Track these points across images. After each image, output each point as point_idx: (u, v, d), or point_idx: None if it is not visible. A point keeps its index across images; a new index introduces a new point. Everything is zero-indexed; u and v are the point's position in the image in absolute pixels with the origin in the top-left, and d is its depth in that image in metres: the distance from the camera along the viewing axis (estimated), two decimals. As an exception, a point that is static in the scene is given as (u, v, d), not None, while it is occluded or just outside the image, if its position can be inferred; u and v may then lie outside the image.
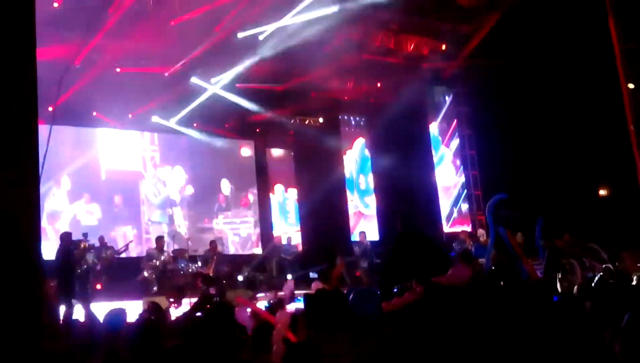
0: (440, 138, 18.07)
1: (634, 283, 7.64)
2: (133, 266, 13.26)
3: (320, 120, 18.25)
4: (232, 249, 16.58)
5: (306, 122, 18.32)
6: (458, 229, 16.17)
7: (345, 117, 18.51)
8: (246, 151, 17.82)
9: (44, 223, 14.00)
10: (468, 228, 16.86)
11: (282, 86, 16.43)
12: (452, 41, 16.75)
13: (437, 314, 3.86)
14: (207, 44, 13.98)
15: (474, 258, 13.02)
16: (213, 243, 14.30)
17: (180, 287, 12.23)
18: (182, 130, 16.36)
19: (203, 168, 16.78)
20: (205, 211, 16.73)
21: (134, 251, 14.78)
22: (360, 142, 18.42)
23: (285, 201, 18.05)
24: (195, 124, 16.46)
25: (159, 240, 13.44)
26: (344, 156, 18.09)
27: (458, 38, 16.69)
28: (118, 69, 14.24)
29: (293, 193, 18.18)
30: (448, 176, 17.85)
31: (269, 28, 14.02)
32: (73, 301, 10.02)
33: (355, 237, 16.70)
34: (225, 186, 17.22)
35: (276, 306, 6.76)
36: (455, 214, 17.69)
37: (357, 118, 18.67)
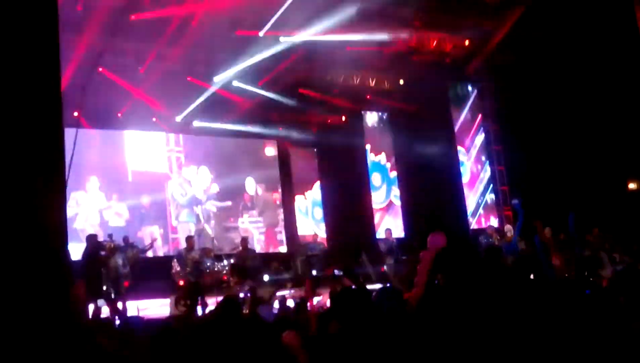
0: (464, 135, 17.91)
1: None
2: (160, 265, 13.34)
3: (343, 118, 18.22)
4: (257, 248, 16.62)
5: (329, 121, 18.30)
6: (484, 225, 16.00)
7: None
8: (270, 150, 17.87)
9: (75, 224, 14.22)
10: (495, 223, 16.72)
11: (304, 84, 16.45)
12: (475, 37, 16.60)
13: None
14: (229, 44, 14.06)
15: (503, 254, 12.95)
16: (244, 241, 14.27)
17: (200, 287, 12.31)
18: (206, 130, 16.44)
19: (228, 167, 16.87)
20: (230, 210, 16.81)
21: (160, 251, 14.93)
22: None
23: (309, 200, 18.07)
24: (218, 123, 16.54)
25: (189, 239, 13.48)
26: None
27: (481, 33, 16.53)
28: (140, 70, 14.36)
29: (316, 192, 18.19)
30: (473, 172, 17.71)
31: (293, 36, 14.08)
32: (99, 302, 10.13)
33: (380, 234, 16.64)
34: (250, 185, 17.29)
35: (302, 304, 6.77)
36: (480, 210, 17.55)
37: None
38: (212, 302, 11.18)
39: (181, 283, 12.17)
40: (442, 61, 16.86)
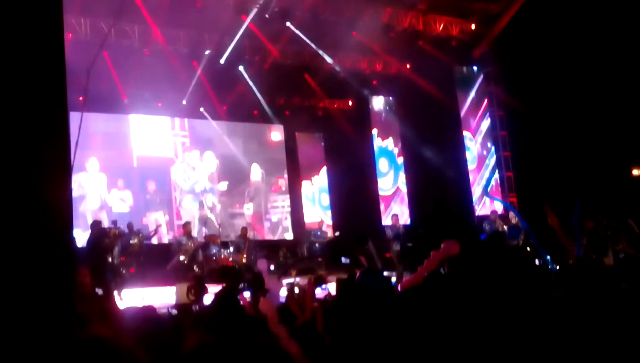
0: (470, 120, 17.81)
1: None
2: (165, 252, 13.38)
3: (350, 103, 18.15)
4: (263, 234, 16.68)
5: (335, 105, 18.24)
6: (488, 211, 15.91)
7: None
8: (276, 135, 17.81)
9: (81, 208, 14.27)
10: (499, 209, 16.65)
11: (310, 69, 16.39)
12: (482, 21, 16.49)
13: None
14: (234, 26, 14.02)
15: (506, 238, 12.99)
16: (244, 230, 14.37)
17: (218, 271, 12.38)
18: (212, 114, 16.41)
19: (233, 153, 16.84)
20: (236, 196, 16.79)
21: (165, 237, 14.95)
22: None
23: (315, 186, 18.04)
24: (224, 107, 16.49)
25: (186, 225, 13.53)
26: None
27: (488, 17, 16.42)
28: (146, 52, 14.32)
29: (323, 178, 18.15)
30: (470, 158, 17.62)
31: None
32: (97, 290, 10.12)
33: (387, 221, 16.62)
34: (256, 171, 17.25)
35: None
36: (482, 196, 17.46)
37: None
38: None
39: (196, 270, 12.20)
40: (448, 45, 16.75)
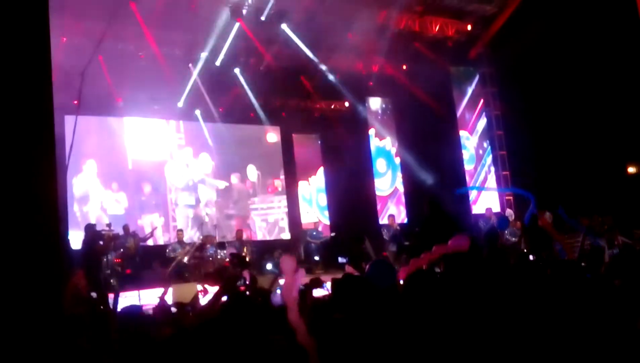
0: (467, 119, 17.85)
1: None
2: (161, 254, 13.39)
3: (346, 104, 18.16)
4: (259, 235, 16.67)
5: (332, 107, 18.26)
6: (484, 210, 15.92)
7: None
8: (272, 136, 17.83)
9: (84, 209, 14.29)
10: (495, 206, 16.69)
11: (307, 70, 16.41)
12: (478, 22, 16.54)
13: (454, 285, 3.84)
14: (229, 29, 14.05)
15: (501, 236, 13.07)
16: (239, 232, 14.41)
17: (215, 272, 12.41)
18: (208, 116, 16.42)
19: (229, 154, 16.86)
20: (231, 197, 16.81)
21: (160, 239, 14.95)
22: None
23: (313, 187, 18.05)
24: (220, 110, 16.50)
25: (179, 232, 13.65)
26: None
27: (483, 18, 16.47)
28: (141, 55, 14.34)
29: (320, 178, 18.16)
30: (468, 157, 17.65)
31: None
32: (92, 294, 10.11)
33: (384, 221, 16.63)
34: (252, 172, 17.27)
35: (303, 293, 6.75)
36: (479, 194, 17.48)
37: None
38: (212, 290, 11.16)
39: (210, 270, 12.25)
40: (444, 46, 16.78)
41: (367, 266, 4.10)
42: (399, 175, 18.04)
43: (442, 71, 16.92)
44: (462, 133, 17.59)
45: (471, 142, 17.70)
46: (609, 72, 13.71)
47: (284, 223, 17.44)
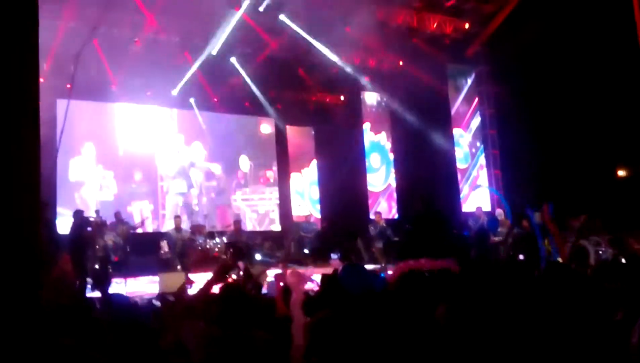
0: (461, 117, 17.88)
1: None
2: (150, 242, 13.34)
3: (342, 98, 18.12)
4: (249, 226, 16.65)
5: (327, 100, 18.22)
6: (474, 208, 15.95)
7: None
8: (266, 127, 17.79)
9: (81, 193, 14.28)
10: (486, 205, 16.73)
11: (303, 63, 16.37)
12: (475, 20, 16.54)
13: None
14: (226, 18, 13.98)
15: (490, 233, 13.16)
16: (237, 223, 14.29)
17: (201, 260, 12.43)
18: (202, 105, 16.36)
19: (222, 144, 16.81)
20: (223, 187, 16.78)
21: (149, 227, 14.91)
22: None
23: (305, 179, 18.02)
24: (215, 99, 16.44)
25: (176, 219, 13.53)
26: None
27: (481, 17, 16.48)
28: (136, 42, 14.25)
29: (313, 171, 18.13)
30: (463, 156, 17.67)
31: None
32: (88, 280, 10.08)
33: (371, 216, 16.66)
34: (244, 163, 17.23)
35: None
36: (473, 193, 17.53)
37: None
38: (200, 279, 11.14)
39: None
40: (441, 43, 16.77)
41: (340, 270, 4.08)
42: (393, 171, 18.03)
43: (438, 68, 16.92)
44: (457, 131, 17.61)
45: (465, 139, 17.73)
46: (604, 74, 13.78)
47: (275, 215, 17.43)
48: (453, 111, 17.63)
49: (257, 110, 17.15)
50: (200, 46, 14.92)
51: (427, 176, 16.42)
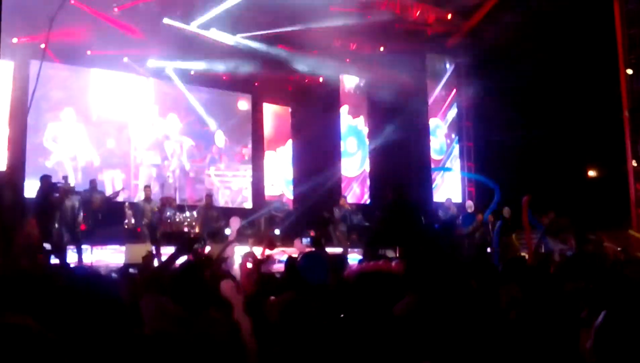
0: (438, 108, 17.92)
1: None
2: (120, 212, 13.18)
3: (321, 79, 18.02)
4: (221, 201, 16.57)
5: (306, 80, 18.10)
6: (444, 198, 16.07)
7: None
8: (243, 104, 17.67)
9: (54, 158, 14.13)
10: (456, 196, 16.88)
11: (284, 41, 16.23)
12: (458, 11, 16.57)
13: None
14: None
15: (457, 226, 13.32)
16: (208, 198, 14.21)
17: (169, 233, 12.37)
18: (179, 77, 16.15)
19: (198, 118, 16.69)
20: (197, 161, 16.65)
21: (121, 197, 14.75)
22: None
23: (280, 159, 17.94)
24: (192, 72, 16.24)
25: (146, 188, 13.38)
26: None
27: (464, 8, 16.50)
28: (115, 9, 13.98)
29: (288, 150, 18.06)
30: (439, 146, 17.74)
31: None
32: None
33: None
34: (220, 138, 17.11)
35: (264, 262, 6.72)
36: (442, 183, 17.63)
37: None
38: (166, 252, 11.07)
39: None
40: (423, 32, 16.77)
41: (299, 258, 4.07)
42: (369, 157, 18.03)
43: (418, 57, 16.92)
44: (434, 121, 17.66)
45: (442, 130, 17.81)
46: (581, 74, 13.95)
47: (248, 192, 17.37)
48: (430, 100, 17.67)
49: (234, 85, 16.98)
50: (181, 15, 14.70)
51: (400, 164, 16.48)
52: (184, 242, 4.75)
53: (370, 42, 17.12)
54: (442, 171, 17.29)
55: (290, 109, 18.32)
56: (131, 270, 9.04)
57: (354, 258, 9.80)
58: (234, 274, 5.50)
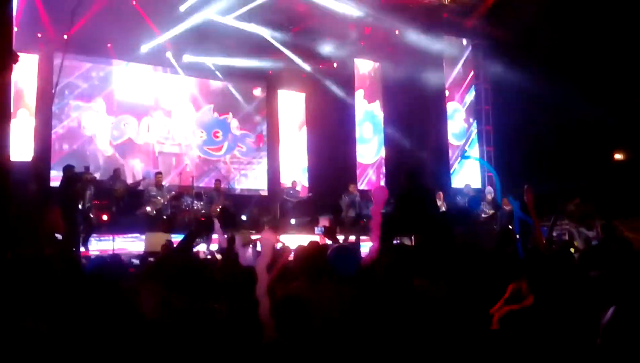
0: (455, 91, 17.67)
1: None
2: (141, 201, 13.26)
3: (335, 64, 17.83)
4: (237, 189, 16.60)
5: (320, 66, 17.92)
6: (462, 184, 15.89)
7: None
8: (258, 91, 17.62)
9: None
10: (475, 182, 16.68)
11: (298, 27, 16.10)
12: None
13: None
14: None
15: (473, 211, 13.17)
16: (218, 182, 14.38)
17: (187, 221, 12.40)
18: (194, 66, 16.16)
19: (214, 106, 16.78)
20: (214, 150, 16.65)
21: (141, 185, 14.88)
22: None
23: (295, 145, 17.86)
24: (206, 60, 16.21)
25: (157, 175, 13.49)
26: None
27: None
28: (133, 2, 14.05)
29: (303, 138, 17.97)
30: (459, 131, 17.52)
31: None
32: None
33: (361, 186, 16.56)
34: (235, 126, 17.10)
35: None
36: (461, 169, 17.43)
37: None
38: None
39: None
40: (439, 14, 16.52)
41: (330, 252, 3.99)
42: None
43: (435, 39, 16.68)
44: (452, 105, 17.43)
45: (460, 114, 17.57)
46: (605, 56, 13.60)
47: (263, 179, 17.33)
48: (448, 83, 17.43)
49: (249, 73, 16.88)
50: (197, 6, 14.67)
51: (418, 149, 16.32)
52: (197, 226, 4.70)
53: (385, 26, 16.85)
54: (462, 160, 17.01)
55: (305, 95, 18.17)
56: (150, 259, 9.10)
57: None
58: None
